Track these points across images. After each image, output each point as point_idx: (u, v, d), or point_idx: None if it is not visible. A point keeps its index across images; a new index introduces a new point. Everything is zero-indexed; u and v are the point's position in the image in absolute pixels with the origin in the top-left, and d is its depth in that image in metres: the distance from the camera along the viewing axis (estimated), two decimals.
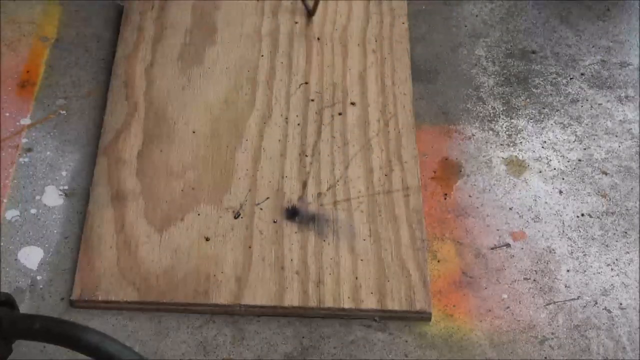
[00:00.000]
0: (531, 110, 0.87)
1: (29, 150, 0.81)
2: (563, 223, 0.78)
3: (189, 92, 0.84)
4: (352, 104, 0.84)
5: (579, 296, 0.74)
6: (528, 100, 0.87)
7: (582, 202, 0.80)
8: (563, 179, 0.81)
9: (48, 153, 0.81)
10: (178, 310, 0.71)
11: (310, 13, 0.79)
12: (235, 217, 0.76)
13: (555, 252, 0.76)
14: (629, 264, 0.76)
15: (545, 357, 0.70)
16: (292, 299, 0.71)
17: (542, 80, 0.89)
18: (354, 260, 0.73)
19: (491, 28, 0.94)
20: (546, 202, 0.79)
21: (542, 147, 0.84)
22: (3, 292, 0.63)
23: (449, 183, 0.81)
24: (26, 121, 0.82)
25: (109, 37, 0.89)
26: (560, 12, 0.96)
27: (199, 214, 0.76)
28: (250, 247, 0.74)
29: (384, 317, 0.71)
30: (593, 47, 0.92)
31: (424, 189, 0.80)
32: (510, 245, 0.77)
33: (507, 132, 0.85)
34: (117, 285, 0.71)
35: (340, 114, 0.83)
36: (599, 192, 0.81)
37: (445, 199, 0.79)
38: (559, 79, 0.89)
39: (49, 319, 0.61)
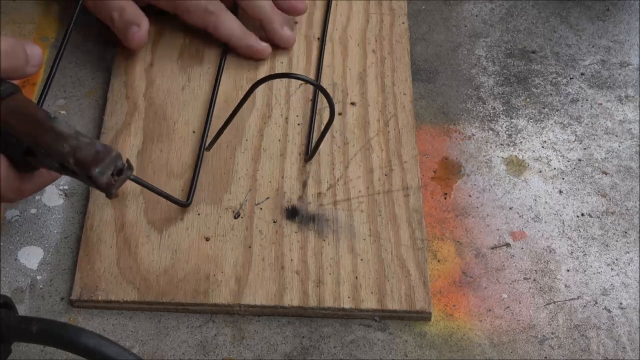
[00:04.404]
0: (531, 110, 0.87)
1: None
2: (563, 223, 0.78)
3: (189, 92, 0.84)
4: (352, 104, 0.84)
5: (579, 296, 0.74)
6: (528, 100, 0.87)
7: (582, 202, 0.80)
8: (563, 178, 0.81)
9: None
10: (178, 310, 0.71)
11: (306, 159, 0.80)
12: (235, 217, 0.76)
13: (555, 252, 0.76)
14: (629, 264, 0.76)
15: (545, 357, 0.70)
16: (292, 299, 0.71)
17: (542, 80, 0.89)
18: (354, 260, 0.73)
19: (491, 28, 0.94)
20: (546, 202, 0.80)
21: (542, 147, 0.84)
22: (1, 295, 0.63)
23: (449, 183, 0.81)
24: None
25: (109, 37, 0.88)
26: (560, 12, 0.96)
27: (199, 214, 0.76)
28: (250, 247, 0.74)
29: (384, 317, 0.71)
30: (593, 47, 0.92)
31: (424, 188, 0.80)
32: (510, 245, 0.77)
33: (507, 132, 0.85)
34: (117, 285, 0.71)
35: (340, 113, 0.83)
36: (599, 192, 0.81)
37: (445, 198, 0.79)
38: (559, 79, 0.89)
39: (47, 322, 0.61)
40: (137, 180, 0.71)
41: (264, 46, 0.86)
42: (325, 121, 0.82)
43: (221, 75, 0.85)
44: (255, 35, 0.86)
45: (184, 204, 0.76)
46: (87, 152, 0.62)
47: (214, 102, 0.83)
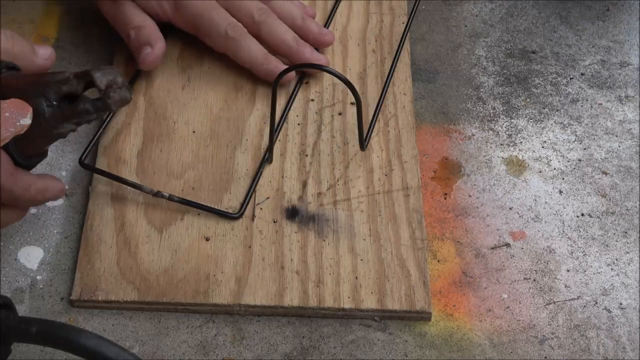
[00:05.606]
0: (531, 110, 0.87)
1: None
2: (563, 223, 0.78)
3: (189, 92, 0.84)
4: (352, 103, 0.84)
5: (579, 296, 0.74)
6: (528, 100, 0.87)
7: (582, 202, 0.80)
8: (563, 179, 0.81)
9: (48, 153, 0.80)
10: (178, 310, 0.71)
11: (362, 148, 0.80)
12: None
13: (555, 252, 0.76)
14: (629, 264, 0.76)
15: (545, 357, 0.70)
16: (292, 299, 0.71)
17: (542, 80, 0.89)
18: (354, 260, 0.73)
19: (491, 28, 0.94)
20: (546, 202, 0.80)
21: (542, 147, 0.84)
22: (1, 295, 0.63)
23: (449, 183, 0.81)
24: (26, 121, 0.82)
25: (109, 37, 0.88)
26: (560, 12, 0.96)
27: (199, 214, 0.76)
28: (250, 247, 0.74)
29: (384, 317, 0.71)
30: (593, 47, 0.92)
31: (424, 188, 0.80)
32: (510, 245, 0.77)
33: (507, 132, 0.85)
34: (117, 285, 0.71)
35: (340, 113, 0.83)
36: (599, 192, 0.81)
37: (445, 198, 0.79)
38: (559, 79, 0.89)
39: (47, 323, 0.61)
40: (181, 201, 0.73)
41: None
42: (325, 121, 0.82)
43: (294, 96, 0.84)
44: (277, 59, 0.84)
45: (234, 216, 0.75)
46: (86, 69, 0.63)
47: (286, 116, 0.82)
